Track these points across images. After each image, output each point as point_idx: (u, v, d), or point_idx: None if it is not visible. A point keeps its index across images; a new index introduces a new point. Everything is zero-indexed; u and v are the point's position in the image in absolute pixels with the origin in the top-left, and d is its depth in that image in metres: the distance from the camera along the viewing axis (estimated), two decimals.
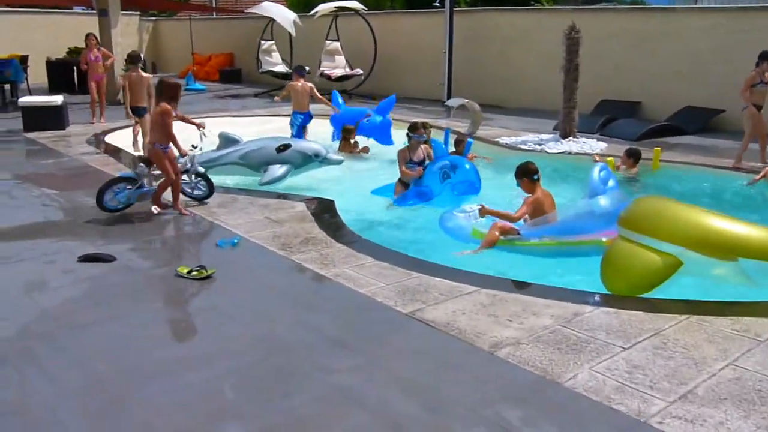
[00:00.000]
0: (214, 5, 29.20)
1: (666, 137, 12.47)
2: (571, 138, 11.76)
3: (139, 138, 11.24)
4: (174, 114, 7.09)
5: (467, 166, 7.99)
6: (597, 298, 5.01)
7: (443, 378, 3.79)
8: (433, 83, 18.03)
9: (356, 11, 19.27)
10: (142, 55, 12.15)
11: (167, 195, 7.16)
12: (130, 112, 11.04)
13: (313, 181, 9.34)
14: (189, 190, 7.53)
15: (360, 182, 9.33)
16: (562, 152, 10.94)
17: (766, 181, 8.83)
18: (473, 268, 5.72)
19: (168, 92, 7.02)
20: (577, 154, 10.86)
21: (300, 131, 11.65)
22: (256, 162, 9.11)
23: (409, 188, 8.06)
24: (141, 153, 10.86)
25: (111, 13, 16.54)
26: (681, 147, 11.61)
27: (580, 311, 4.67)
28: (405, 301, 4.81)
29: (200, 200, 7.52)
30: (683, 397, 3.57)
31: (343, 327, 4.42)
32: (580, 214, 6.13)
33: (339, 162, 9.35)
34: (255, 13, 20.86)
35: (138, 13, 27.43)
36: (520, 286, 5.17)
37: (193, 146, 7.49)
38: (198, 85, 21.36)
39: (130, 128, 11.69)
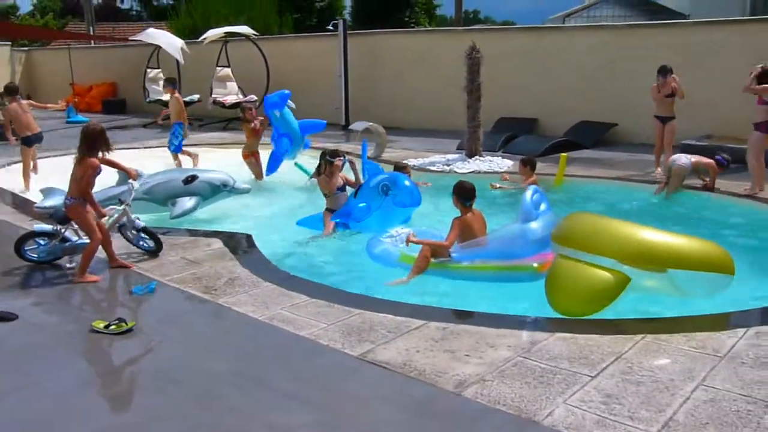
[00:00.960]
0: (92, 33, 27.81)
1: (567, 152, 12.71)
2: (477, 157, 11.77)
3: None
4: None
5: (404, 179, 7.77)
6: (547, 323, 4.85)
7: (416, 427, 3.48)
8: (329, 107, 17.75)
9: (247, 36, 18.79)
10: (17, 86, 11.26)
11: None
12: (14, 140, 10.50)
13: (217, 213, 8.86)
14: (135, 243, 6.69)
15: (268, 212, 8.92)
16: (471, 171, 10.90)
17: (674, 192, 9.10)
18: (412, 298, 5.48)
19: (89, 142, 5.96)
20: (486, 173, 10.84)
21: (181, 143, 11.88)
22: (162, 196, 8.54)
23: (335, 213, 7.73)
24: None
25: None
26: (581, 161, 11.85)
27: (536, 339, 4.48)
28: (352, 342, 4.47)
29: (151, 252, 6.59)
30: (666, 425, 3.41)
31: (292, 377, 4.02)
32: (513, 238, 5.99)
33: (247, 191, 9.05)
34: (138, 40, 20.01)
35: (8, 43, 25.75)
36: (468, 317, 4.94)
37: (120, 201, 6.77)
38: (80, 116, 20.15)
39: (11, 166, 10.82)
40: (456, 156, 12.19)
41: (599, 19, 44.50)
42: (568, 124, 14.22)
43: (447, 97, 16.24)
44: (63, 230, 6.23)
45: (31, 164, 10.62)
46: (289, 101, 11.06)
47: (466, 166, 11.25)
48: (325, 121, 11.98)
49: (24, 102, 10.69)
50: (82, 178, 5.90)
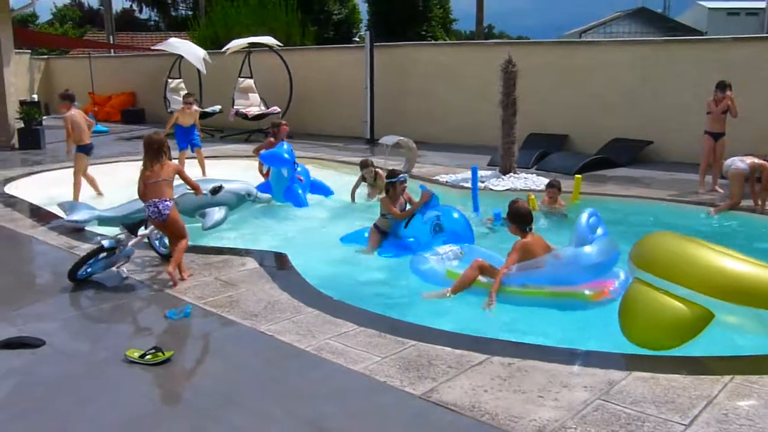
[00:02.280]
0: (112, 41, 27.69)
1: (600, 170, 12.34)
2: (511, 174, 11.38)
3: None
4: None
5: (456, 215, 7.26)
6: (621, 360, 4.45)
7: None
8: (354, 120, 17.49)
9: (270, 47, 18.53)
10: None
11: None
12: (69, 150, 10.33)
13: (245, 228, 8.57)
14: (157, 244, 6.63)
15: (298, 229, 8.57)
16: (507, 189, 10.52)
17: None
18: (463, 323, 5.11)
19: (162, 147, 6.21)
20: (522, 190, 10.45)
21: None
22: (191, 206, 8.24)
23: (386, 236, 7.33)
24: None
25: (3, 51, 15.09)
26: (618, 179, 11.45)
27: (613, 379, 4.07)
28: (412, 378, 4.08)
29: (166, 257, 6.47)
30: None
31: (352, 421, 3.63)
32: (565, 263, 5.58)
33: (268, 200, 9.23)
34: (159, 50, 19.80)
35: (29, 51, 25.64)
36: (534, 351, 4.52)
37: None
38: (100, 126, 19.91)
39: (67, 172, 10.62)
40: (489, 172, 11.80)
41: (615, 35, 44.44)
42: (601, 141, 13.82)
43: (474, 112, 15.95)
44: (129, 240, 6.28)
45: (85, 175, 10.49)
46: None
47: (501, 183, 10.87)
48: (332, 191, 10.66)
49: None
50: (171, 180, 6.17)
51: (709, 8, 57.66)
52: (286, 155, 9.51)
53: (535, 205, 9.00)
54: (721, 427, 3.52)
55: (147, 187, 6.11)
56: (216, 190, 8.19)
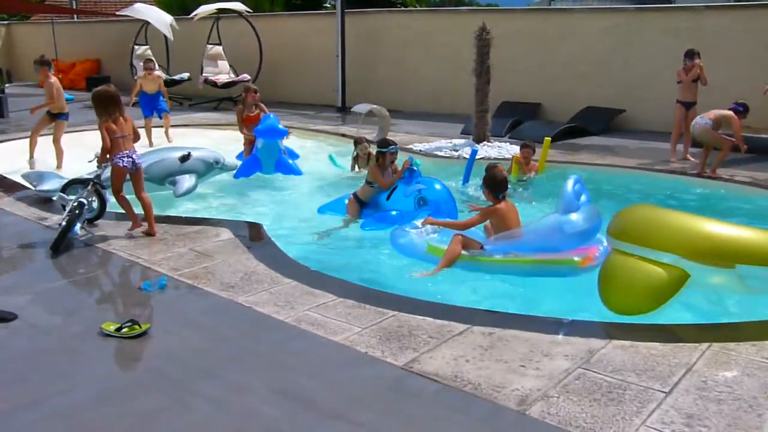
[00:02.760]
0: (75, 7, 26.91)
1: (573, 138, 12.38)
2: (485, 142, 11.36)
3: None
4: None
5: (438, 186, 7.11)
6: (601, 329, 4.47)
7: None
8: (325, 88, 17.29)
9: (239, 13, 18.16)
10: None
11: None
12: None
13: (220, 200, 8.46)
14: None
15: (275, 200, 8.46)
16: (481, 158, 10.47)
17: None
18: (445, 295, 5.12)
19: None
20: (496, 159, 10.43)
21: None
22: (160, 175, 8.32)
23: (365, 206, 7.23)
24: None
25: None
26: (591, 148, 11.49)
27: (593, 347, 4.09)
28: (393, 349, 4.06)
29: (90, 221, 6.49)
30: None
31: (335, 393, 3.60)
32: (553, 230, 5.58)
33: (234, 167, 9.13)
34: (124, 15, 19.29)
35: None
36: (515, 321, 4.52)
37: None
38: (66, 94, 19.41)
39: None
40: (462, 141, 11.78)
41: (587, 3, 44.26)
42: (573, 109, 13.84)
43: (447, 80, 15.86)
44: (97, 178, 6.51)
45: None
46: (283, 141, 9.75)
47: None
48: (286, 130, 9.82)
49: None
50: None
51: None
52: (280, 125, 9.31)
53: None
54: (701, 394, 3.55)
55: (117, 141, 6.28)
56: (185, 158, 8.26)
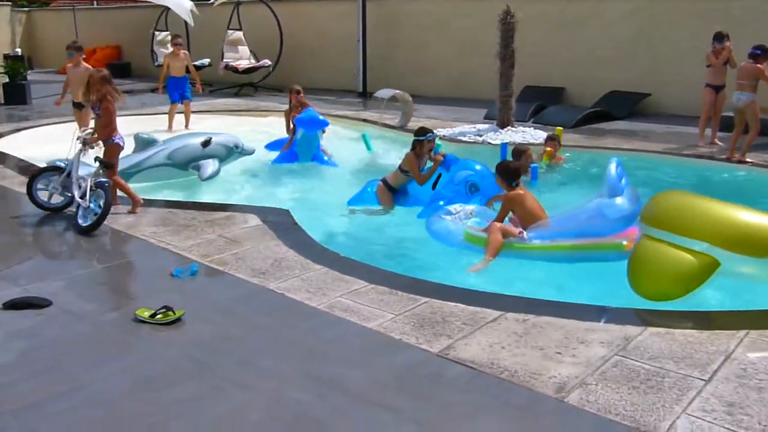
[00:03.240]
0: None
1: (598, 123, 12.26)
2: (509, 127, 11.28)
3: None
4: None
5: (479, 167, 6.99)
6: (636, 316, 4.42)
7: None
8: (345, 73, 17.23)
9: None
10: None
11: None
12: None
13: (248, 188, 8.47)
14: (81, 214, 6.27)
15: (303, 188, 8.46)
16: (506, 143, 10.40)
17: None
18: (479, 283, 5.08)
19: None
20: (521, 144, 10.33)
21: None
22: (184, 160, 8.47)
23: (395, 192, 7.18)
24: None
25: None
26: (617, 133, 11.37)
27: (629, 334, 4.06)
28: (428, 336, 4.04)
29: (90, 229, 6.11)
30: None
31: (370, 380, 3.59)
32: (600, 214, 5.51)
33: (253, 151, 9.20)
34: (145, 1, 19.31)
35: (8, 3, 24.97)
36: (549, 307, 4.49)
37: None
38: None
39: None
40: (486, 126, 11.70)
41: None
42: (597, 93, 13.68)
43: (468, 64, 15.75)
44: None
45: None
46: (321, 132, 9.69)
47: (499, 137, 10.76)
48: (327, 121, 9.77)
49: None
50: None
51: None
52: (321, 116, 9.30)
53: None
54: (741, 381, 3.51)
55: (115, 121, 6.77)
56: (207, 143, 8.42)
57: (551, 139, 9.15)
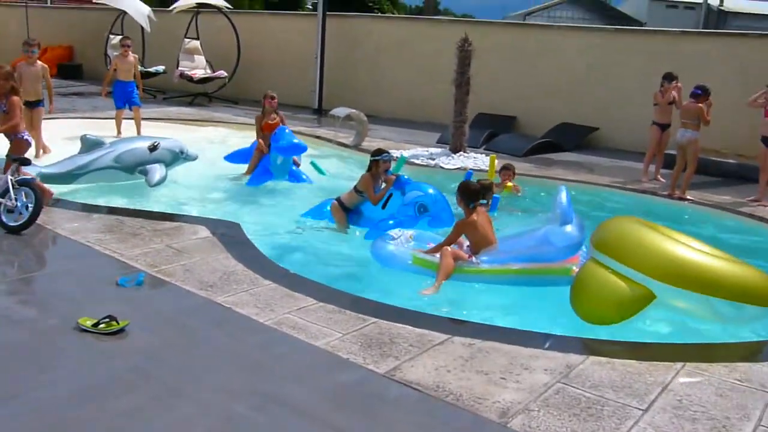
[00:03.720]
0: None
1: (547, 153, 12.52)
2: (461, 153, 11.43)
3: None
4: None
5: (431, 191, 7.16)
6: (579, 344, 4.53)
7: None
8: (302, 89, 17.22)
9: (219, 9, 18.01)
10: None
11: None
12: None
13: (187, 192, 8.39)
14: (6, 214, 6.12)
15: (250, 198, 8.42)
16: (457, 168, 10.56)
17: None
18: (427, 305, 5.13)
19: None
20: (472, 169, 10.47)
21: None
22: (131, 163, 8.37)
23: (349, 212, 7.19)
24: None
25: None
26: (564, 164, 11.63)
27: (571, 363, 4.15)
28: (374, 356, 4.06)
29: (20, 228, 6.02)
30: None
31: (317, 397, 3.59)
32: (546, 241, 5.63)
33: (196, 157, 9.11)
34: (101, 3, 18.99)
35: None
36: (495, 333, 4.56)
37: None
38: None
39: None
40: (439, 150, 11.84)
41: (558, 20, 45.01)
42: (548, 124, 14.00)
43: (424, 88, 15.93)
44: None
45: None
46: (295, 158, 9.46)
47: (451, 162, 10.90)
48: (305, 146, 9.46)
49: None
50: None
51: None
52: (295, 140, 9.06)
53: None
54: (677, 413, 3.63)
55: (23, 119, 7.04)
56: (154, 147, 8.43)
57: (506, 169, 9.21)
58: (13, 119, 6.68)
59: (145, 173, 8.32)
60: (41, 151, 9.77)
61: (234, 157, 9.90)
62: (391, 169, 7.32)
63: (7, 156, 6.65)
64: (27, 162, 6.57)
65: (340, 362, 3.98)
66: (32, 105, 9.63)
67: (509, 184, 9.00)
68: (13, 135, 6.80)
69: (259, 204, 8.23)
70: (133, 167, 8.36)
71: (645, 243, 4.93)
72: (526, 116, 14.67)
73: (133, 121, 11.93)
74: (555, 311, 5.21)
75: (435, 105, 15.28)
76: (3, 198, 6.07)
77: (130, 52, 12.03)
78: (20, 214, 6.03)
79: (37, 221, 6.07)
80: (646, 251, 4.89)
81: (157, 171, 8.32)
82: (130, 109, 11.96)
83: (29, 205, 6.02)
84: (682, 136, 9.39)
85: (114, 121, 11.93)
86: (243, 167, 9.58)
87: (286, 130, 9.09)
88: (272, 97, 9.67)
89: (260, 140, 9.41)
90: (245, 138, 10.88)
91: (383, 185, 7.20)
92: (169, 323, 4.39)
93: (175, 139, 9.09)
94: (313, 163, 9.89)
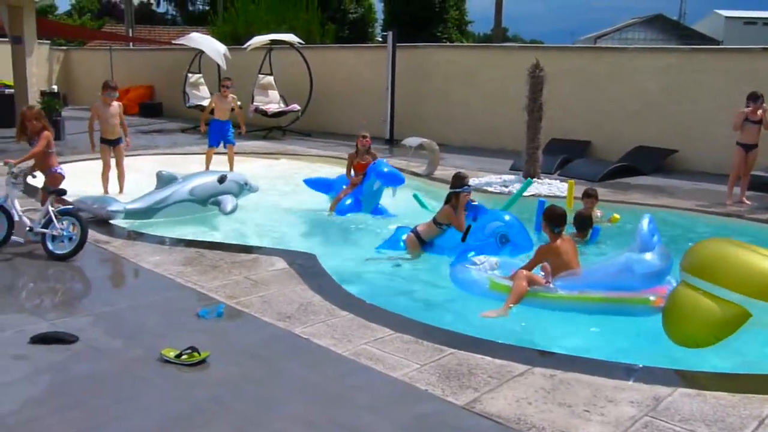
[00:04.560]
0: (131, 34, 27.71)
1: (623, 178, 12.23)
2: (535, 179, 11.27)
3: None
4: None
5: (507, 217, 7.15)
6: (666, 375, 4.35)
7: None
8: (373, 120, 17.37)
9: (291, 45, 18.46)
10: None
11: None
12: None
13: (272, 232, 8.52)
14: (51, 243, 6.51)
15: (325, 229, 8.50)
16: (532, 195, 10.39)
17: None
18: (503, 333, 5.04)
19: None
20: (547, 196, 10.33)
21: None
22: (204, 196, 8.84)
23: (425, 246, 7.16)
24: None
25: (26, 41, 15.05)
26: (643, 188, 11.32)
27: (659, 394, 3.99)
28: (453, 387, 4.00)
29: (69, 255, 6.42)
30: None
31: (396, 429, 3.56)
32: (629, 268, 5.47)
33: (257, 189, 9.49)
34: (179, 44, 19.78)
35: (48, 41, 25.68)
36: (577, 363, 4.43)
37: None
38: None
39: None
40: (512, 177, 11.71)
41: (630, 42, 44.20)
42: (623, 148, 13.69)
43: (494, 115, 15.88)
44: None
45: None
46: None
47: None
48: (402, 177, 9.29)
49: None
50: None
51: (726, 17, 57.41)
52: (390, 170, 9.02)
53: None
54: None
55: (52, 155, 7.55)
56: (222, 179, 8.90)
57: (589, 196, 8.73)
58: (37, 148, 7.19)
59: (218, 204, 8.77)
60: (122, 187, 10.15)
61: (314, 184, 10.00)
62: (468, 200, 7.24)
63: (43, 189, 7.42)
64: (62, 192, 6.98)
65: (419, 393, 3.93)
66: (113, 143, 10.07)
67: (616, 216, 8.65)
68: (48, 169, 7.45)
69: (335, 235, 8.32)
70: (206, 199, 8.79)
71: (738, 262, 4.78)
72: (600, 141, 14.40)
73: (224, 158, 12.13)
74: (636, 341, 5.05)
75: (506, 132, 15.21)
76: (47, 228, 6.43)
77: (229, 93, 12.17)
78: (62, 242, 6.46)
79: (121, 255, 6.29)
80: (739, 270, 4.74)
81: (229, 201, 8.79)
82: (225, 147, 12.15)
83: (73, 235, 6.45)
84: None
85: (204, 157, 12.16)
86: (316, 196, 9.66)
87: (384, 161, 9.16)
88: (364, 136, 9.63)
89: (352, 178, 9.43)
90: (315, 170, 11.02)
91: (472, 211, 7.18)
92: (248, 354, 4.44)
93: (238, 173, 9.51)
94: (416, 196, 9.71)
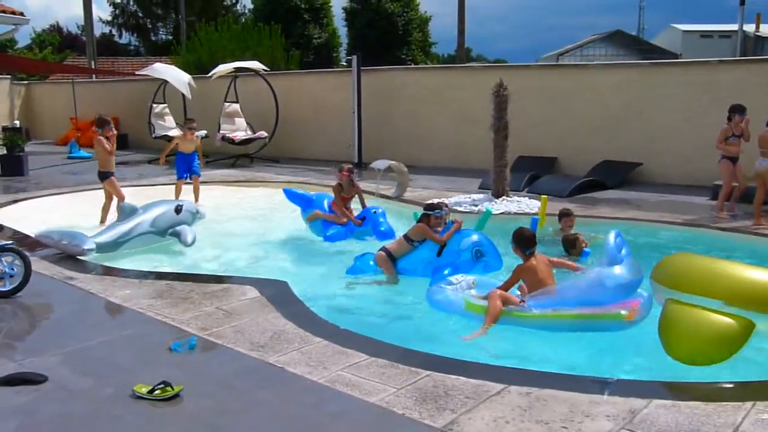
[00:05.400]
0: (94, 66, 27.51)
1: (591, 192, 12.38)
2: (504, 197, 11.37)
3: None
4: None
5: (476, 237, 7.29)
6: (640, 387, 4.38)
7: None
8: (341, 144, 17.45)
9: (256, 72, 18.47)
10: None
11: None
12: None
13: (243, 259, 8.47)
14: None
15: (296, 256, 8.46)
16: (501, 213, 10.48)
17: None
18: (480, 353, 5.05)
19: None
20: (516, 213, 10.43)
21: None
22: (164, 227, 8.83)
23: (395, 263, 7.20)
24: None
25: None
26: (610, 202, 11.47)
27: (634, 407, 4.01)
28: (430, 410, 3.99)
29: (12, 293, 6.24)
30: None
31: None
32: (598, 284, 5.52)
33: (204, 216, 9.63)
34: (142, 75, 19.67)
35: (8, 76, 25.39)
36: (552, 380, 4.45)
37: None
38: (83, 152, 19.73)
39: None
40: (481, 196, 11.79)
41: (591, 58, 45.03)
42: (590, 163, 13.89)
43: (461, 135, 16.02)
44: None
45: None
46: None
47: (494, 207, 10.81)
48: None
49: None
50: None
51: (684, 30, 58.66)
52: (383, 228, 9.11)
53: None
54: None
55: None
56: (179, 209, 8.97)
57: (567, 215, 8.73)
58: None
59: (176, 235, 8.74)
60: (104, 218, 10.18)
61: (293, 196, 9.89)
62: (445, 221, 7.34)
63: None
64: None
65: (396, 418, 3.91)
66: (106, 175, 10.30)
67: (601, 237, 8.66)
68: None
69: (306, 260, 8.29)
70: (165, 230, 8.79)
71: (713, 269, 4.94)
72: (566, 156, 14.59)
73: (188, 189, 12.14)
74: (610, 355, 5.08)
75: (474, 151, 15.32)
76: None
77: (194, 134, 12.37)
78: (2, 279, 6.24)
79: (89, 290, 6.19)
80: (716, 276, 4.89)
81: (189, 232, 8.77)
82: (190, 179, 12.19)
83: (14, 272, 6.25)
84: (760, 165, 9.41)
85: (173, 189, 12.15)
86: (286, 221, 9.65)
87: (380, 210, 9.29)
88: (348, 170, 9.55)
89: (339, 211, 9.37)
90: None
91: (447, 228, 7.28)
92: (223, 386, 4.38)
93: (188, 201, 9.66)
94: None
